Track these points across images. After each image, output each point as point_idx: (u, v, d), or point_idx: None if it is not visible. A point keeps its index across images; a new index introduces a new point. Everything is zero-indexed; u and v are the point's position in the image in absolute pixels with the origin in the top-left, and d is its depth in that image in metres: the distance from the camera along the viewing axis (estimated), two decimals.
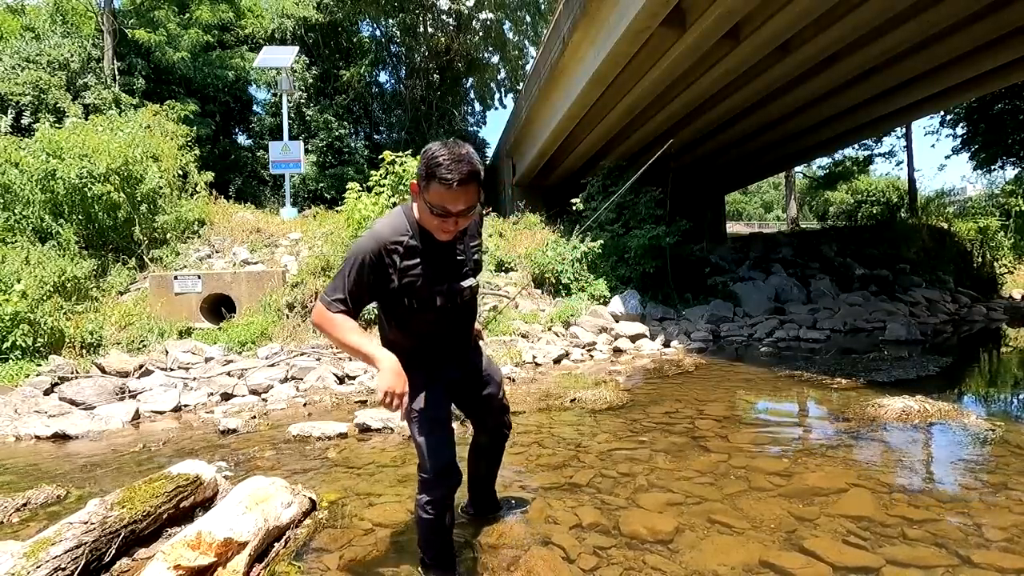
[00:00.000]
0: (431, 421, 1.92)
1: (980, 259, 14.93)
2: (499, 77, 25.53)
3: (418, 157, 1.65)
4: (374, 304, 1.93)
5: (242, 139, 20.39)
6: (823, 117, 12.60)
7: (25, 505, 2.91)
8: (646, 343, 8.29)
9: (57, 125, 9.92)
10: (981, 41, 8.89)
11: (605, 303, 9.63)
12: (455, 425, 2.32)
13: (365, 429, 4.18)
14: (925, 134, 37.54)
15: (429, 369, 1.93)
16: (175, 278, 8.09)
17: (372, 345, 1.73)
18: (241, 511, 2.20)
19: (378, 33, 23.31)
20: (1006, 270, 15.41)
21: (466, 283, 1.88)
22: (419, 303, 1.81)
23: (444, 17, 22.96)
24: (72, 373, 5.81)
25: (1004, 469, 3.04)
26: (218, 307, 8.29)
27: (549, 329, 8.65)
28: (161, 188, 9.54)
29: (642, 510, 2.66)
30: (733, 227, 29.94)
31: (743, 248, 14.26)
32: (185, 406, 5.30)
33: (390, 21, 22.51)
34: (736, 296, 10.97)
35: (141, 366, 5.97)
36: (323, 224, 10.40)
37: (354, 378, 6.13)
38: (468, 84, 25.41)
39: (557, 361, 7.31)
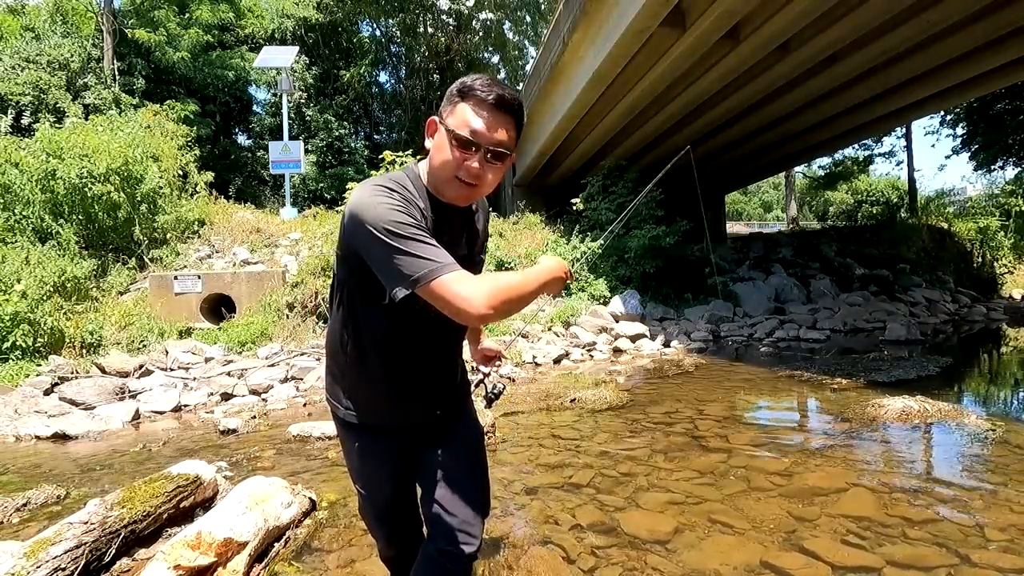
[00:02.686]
0: (368, 508, 1.55)
1: (980, 259, 14.95)
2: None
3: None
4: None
5: (242, 139, 20.41)
6: (823, 117, 12.59)
7: (25, 505, 2.91)
8: (646, 343, 8.29)
9: (57, 125, 9.91)
10: (981, 41, 8.88)
11: (605, 303, 9.63)
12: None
13: None
14: (925, 134, 37.65)
15: (375, 416, 1.39)
16: (175, 278, 8.09)
17: (529, 271, 1.22)
18: (241, 511, 2.20)
19: (378, 33, 23.35)
20: (1006, 270, 15.43)
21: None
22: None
23: (444, 17, 22.99)
24: (72, 373, 5.80)
25: (1004, 469, 3.04)
26: (218, 307, 8.29)
27: (549, 329, 8.64)
28: (161, 188, 9.54)
29: (642, 510, 2.66)
30: (733, 227, 29.94)
31: (743, 248, 14.27)
32: (185, 406, 5.30)
33: (390, 21, 22.52)
34: (736, 296, 10.98)
35: (141, 366, 5.97)
36: (323, 224, 10.39)
37: None
38: None
39: (557, 361, 7.31)
